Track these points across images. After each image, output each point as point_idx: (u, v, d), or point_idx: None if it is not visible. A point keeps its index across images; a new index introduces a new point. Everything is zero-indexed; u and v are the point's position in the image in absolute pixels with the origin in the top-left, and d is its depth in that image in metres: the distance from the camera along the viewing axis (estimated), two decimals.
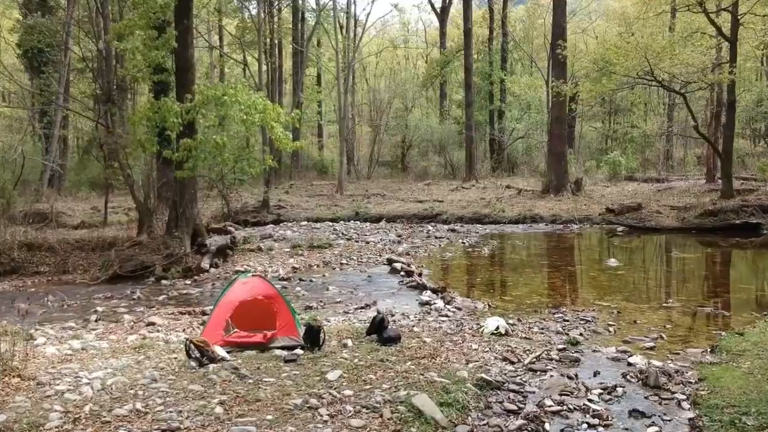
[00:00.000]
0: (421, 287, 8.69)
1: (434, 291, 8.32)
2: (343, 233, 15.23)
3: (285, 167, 34.85)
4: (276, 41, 35.23)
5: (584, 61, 18.87)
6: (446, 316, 7.11)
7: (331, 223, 17.66)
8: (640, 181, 26.31)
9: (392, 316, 7.25)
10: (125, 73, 12.73)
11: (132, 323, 7.29)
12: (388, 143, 37.31)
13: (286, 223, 18.12)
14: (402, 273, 9.77)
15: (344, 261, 11.05)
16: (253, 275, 6.04)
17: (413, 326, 6.58)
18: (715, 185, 22.13)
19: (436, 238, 14.00)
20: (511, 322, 6.71)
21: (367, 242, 13.31)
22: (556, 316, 7.00)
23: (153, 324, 7.15)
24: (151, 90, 14.48)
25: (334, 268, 10.50)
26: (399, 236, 14.39)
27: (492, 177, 29.28)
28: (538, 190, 22.10)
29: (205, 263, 10.55)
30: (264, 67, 34.11)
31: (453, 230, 15.46)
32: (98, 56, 14.40)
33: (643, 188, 23.42)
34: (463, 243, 13.04)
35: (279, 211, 20.00)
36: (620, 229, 15.10)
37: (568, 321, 6.82)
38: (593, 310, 7.31)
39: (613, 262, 10.42)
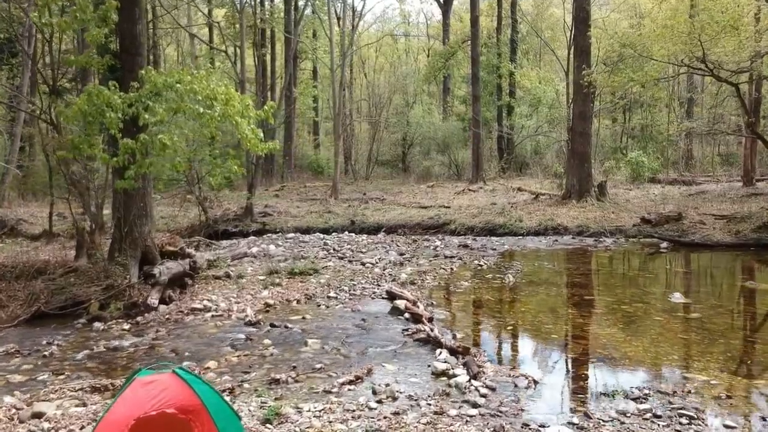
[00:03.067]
0: (433, 342, 6.35)
1: (453, 351, 5.98)
2: (334, 249, 12.89)
3: (278, 167, 32.56)
4: (268, 31, 32.93)
5: (611, 46, 16.37)
6: (475, 404, 4.77)
7: (322, 235, 15.32)
8: (664, 183, 24.01)
9: (394, 400, 4.94)
10: (67, 61, 10.38)
11: (13, 411, 4.97)
12: (387, 141, 34.98)
13: (270, 235, 15.77)
14: (406, 315, 7.43)
15: (333, 293, 8.70)
16: (163, 370, 3.67)
17: None
18: (754, 189, 19.85)
19: (445, 257, 11.65)
20: (576, 421, 4.38)
21: (363, 263, 10.96)
22: (641, 407, 4.66)
23: (40, 416, 4.82)
24: (104, 80, 12.13)
25: (318, 306, 8.15)
26: (401, 254, 12.05)
27: (501, 178, 26.96)
28: (555, 194, 19.78)
29: (153, 299, 8.21)
30: (249, 60, 31.83)
31: (465, 246, 13.10)
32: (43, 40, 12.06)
33: (670, 192, 21.14)
34: (480, 265, 10.69)
35: (264, 219, 17.68)
36: (664, 245, 12.75)
37: (660, 417, 4.49)
38: (689, 391, 4.98)
39: (677, 297, 8.10)
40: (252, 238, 15.36)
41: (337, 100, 23.34)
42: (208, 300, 8.51)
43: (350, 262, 11.37)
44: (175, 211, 18.82)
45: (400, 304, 7.75)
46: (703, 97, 29.95)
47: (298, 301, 8.35)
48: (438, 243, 13.60)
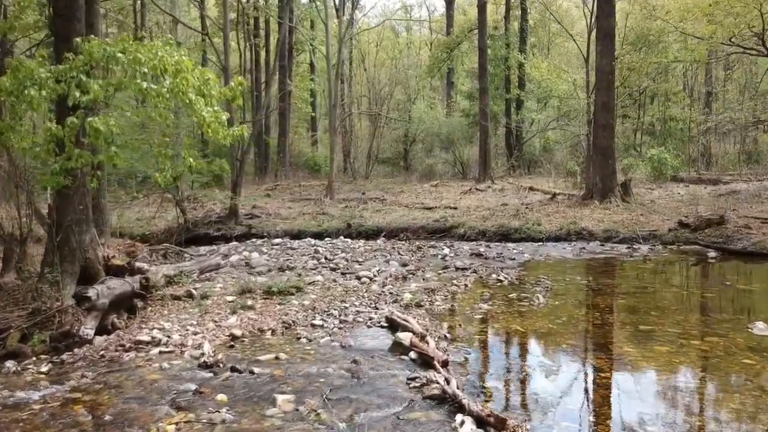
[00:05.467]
0: (451, 402, 4.54)
1: (481, 422, 4.17)
2: (326, 258, 11.09)
3: (273, 165, 30.76)
4: (262, 21, 31.18)
5: (643, 24, 14.50)
6: None
7: (313, 241, 13.52)
8: (688, 182, 22.18)
9: None
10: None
11: None
12: (388, 138, 33.13)
13: (255, 240, 13.98)
14: (412, 355, 5.62)
15: (318, 320, 6.89)
16: None
17: None
18: None
19: (457, 269, 9.83)
20: None
21: (359, 277, 9.15)
22: None
23: None
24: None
25: (298, 338, 6.33)
26: (404, 265, 10.24)
27: (510, 177, 25.14)
28: (573, 193, 17.99)
29: (87, 328, 6.41)
30: (245, 54, 29.96)
31: (478, 254, 11.29)
32: None
33: (697, 192, 19.28)
34: (499, 280, 8.87)
35: (251, 221, 15.87)
36: (711, 254, 10.93)
37: None
38: None
39: (761, 327, 6.31)
40: (234, 243, 13.57)
41: (333, 90, 21.51)
42: (159, 329, 6.70)
43: (343, 275, 9.56)
44: (154, 212, 17.06)
45: (404, 338, 5.93)
46: (725, 92, 28.11)
47: (273, 332, 6.53)
48: (446, 250, 11.79)
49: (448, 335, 6.27)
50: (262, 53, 31.75)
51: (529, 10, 29.09)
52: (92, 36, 7.33)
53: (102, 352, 6.12)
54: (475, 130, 28.43)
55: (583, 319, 6.82)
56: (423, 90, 36.69)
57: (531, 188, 20.99)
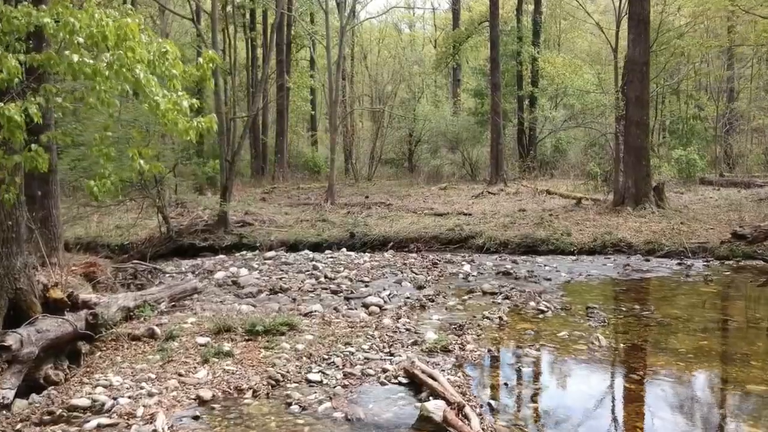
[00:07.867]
0: None
1: None
2: (326, 277, 9.43)
3: (270, 166, 29.14)
4: (260, 14, 29.57)
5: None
6: None
7: (311, 254, 11.87)
8: (717, 185, 20.53)
9: None
10: None
11: None
12: (392, 137, 31.48)
13: (244, 253, 12.33)
14: None
15: (315, 373, 5.22)
16: None
17: None
18: None
19: (484, 293, 8.17)
20: None
21: (366, 306, 7.48)
22: None
23: None
24: None
25: (288, 404, 4.66)
26: (420, 287, 8.58)
27: (524, 179, 23.46)
28: (598, 198, 16.34)
29: (5, 389, 4.75)
30: (240, 46, 28.25)
31: (506, 273, 9.61)
32: None
33: (732, 195, 17.64)
34: (541, 311, 7.18)
35: (242, 229, 14.22)
36: None
37: None
38: None
39: None
40: (221, 257, 11.93)
41: (334, 85, 19.86)
42: (105, 386, 5.03)
43: (347, 300, 7.91)
44: (135, 219, 15.41)
45: (435, 410, 4.26)
46: (751, 88, 26.44)
47: (255, 393, 4.86)
48: (467, 267, 10.13)
49: (492, 404, 4.60)
50: (260, 51, 30.13)
51: (542, 1, 27.44)
52: (25, 3, 5.73)
53: (19, 426, 4.46)
54: (483, 129, 26.82)
55: (668, 376, 5.13)
56: (428, 88, 35.06)
57: (548, 192, 19.40)
